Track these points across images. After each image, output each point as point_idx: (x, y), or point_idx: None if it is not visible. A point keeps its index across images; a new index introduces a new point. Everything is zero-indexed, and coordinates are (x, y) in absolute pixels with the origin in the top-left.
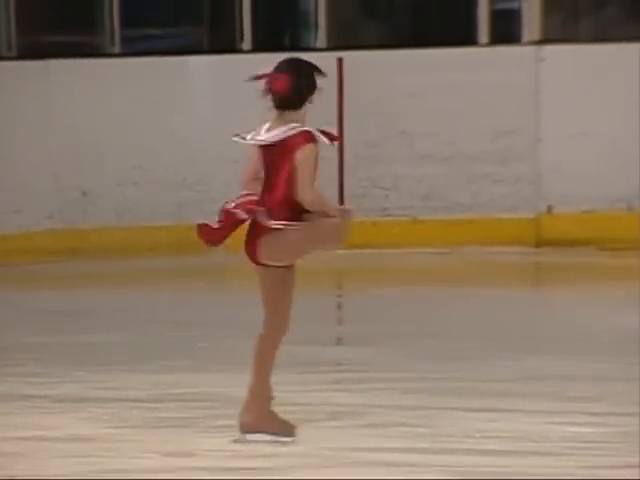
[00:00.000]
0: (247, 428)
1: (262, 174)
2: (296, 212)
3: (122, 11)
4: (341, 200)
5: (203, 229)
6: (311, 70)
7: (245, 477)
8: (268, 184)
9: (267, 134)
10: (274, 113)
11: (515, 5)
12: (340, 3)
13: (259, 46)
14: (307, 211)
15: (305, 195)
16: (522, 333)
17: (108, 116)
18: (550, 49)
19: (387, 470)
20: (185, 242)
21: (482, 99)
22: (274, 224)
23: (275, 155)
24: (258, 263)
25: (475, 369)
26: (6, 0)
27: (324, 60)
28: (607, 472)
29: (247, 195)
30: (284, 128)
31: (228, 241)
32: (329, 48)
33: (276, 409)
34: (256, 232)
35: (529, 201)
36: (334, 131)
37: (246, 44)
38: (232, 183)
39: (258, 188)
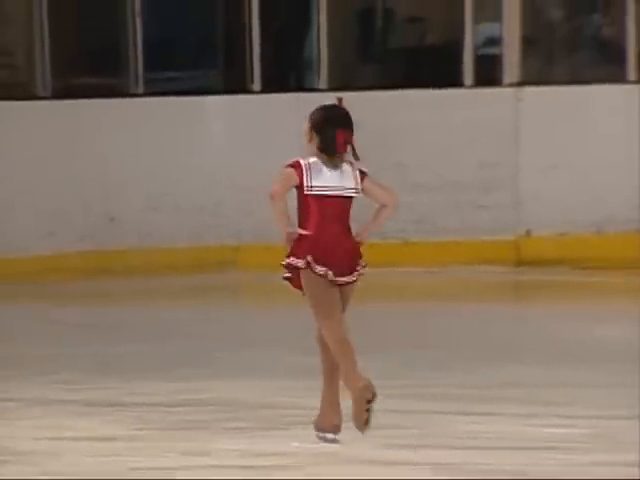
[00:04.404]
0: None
1: None
2: None
3: (145, 55)
4: None
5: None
6: (317, 114)
7: (255, 474)
8: None
9: None
10: None
11: (497, 51)
12: (340, 49)
13: (268, 87)
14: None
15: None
16: (503, 344)
17: (132, 149)
18: (528, 90)
19: (383, 468)
20: (201, 262)
21: (468, 134)
22: None
23: None
24: None
25: (461, 377)
26: (42, 47)
27: (326, 99)
28: (578, 469)
29: None
30: None
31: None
32: (330, 89)
33: (280, 413)
34: None
35: (510, 225)
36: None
37: (256, 85)
38: (243, 209)
39: None
